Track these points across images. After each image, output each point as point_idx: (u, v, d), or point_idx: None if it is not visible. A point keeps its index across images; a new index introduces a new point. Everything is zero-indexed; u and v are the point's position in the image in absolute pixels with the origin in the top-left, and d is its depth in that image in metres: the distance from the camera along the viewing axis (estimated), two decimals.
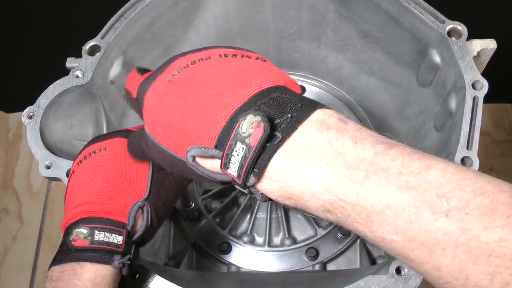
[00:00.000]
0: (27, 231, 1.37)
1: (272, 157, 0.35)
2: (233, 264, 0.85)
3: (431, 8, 0.64)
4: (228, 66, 0.41)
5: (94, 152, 0.52)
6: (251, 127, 0.35)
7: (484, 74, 0.60)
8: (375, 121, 0.92)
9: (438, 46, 0.64)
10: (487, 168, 1.32)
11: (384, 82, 0.84)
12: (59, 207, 1.37)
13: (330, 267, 0.86)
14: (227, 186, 0.78)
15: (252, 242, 0.86)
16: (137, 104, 0.46)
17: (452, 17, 0.63)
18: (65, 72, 0.65)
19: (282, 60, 0.94)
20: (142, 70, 0.48)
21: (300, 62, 0.94)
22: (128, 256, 0.48)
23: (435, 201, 0.31)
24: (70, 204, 0.51)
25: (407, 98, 0.80)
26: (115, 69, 0.70)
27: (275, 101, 0.37)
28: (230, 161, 0.36)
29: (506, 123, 1.42)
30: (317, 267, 0.84)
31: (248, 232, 0.87)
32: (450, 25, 0.62)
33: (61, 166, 0.59)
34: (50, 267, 0.47)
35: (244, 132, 0.35)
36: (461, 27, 0.62)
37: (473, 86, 0.58)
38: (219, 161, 0.37)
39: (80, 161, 0.53)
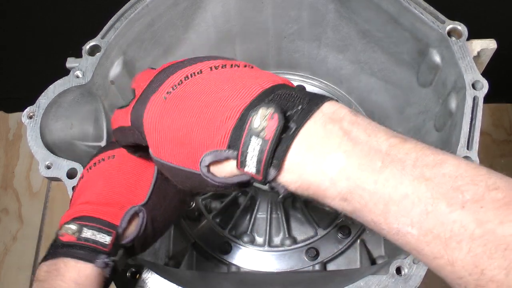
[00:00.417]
0: (27, 231, 1.37)
1: (290, 147, 0.35)
2: (233, 264, 0.85)
3: (431, 8, 0.64)
4: (222, 76, 0.41)
5: (103, 160, 0.53)
6: (264, 120, 0.35)
7: (484, 74, 0.60)
8: (375, 121, 0.92)
9: (438, 46, 0.64)
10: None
11: (384, 82, 0.84)
12: (59, 207, 1.37)
13: (330, 267, 0.86)
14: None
15: (252, 242, 0.86)
16: (133, 133, 0.45)
17: (452, 17, 0.63)
18: (65, 72, 0.65)
19: (282, 60, 0.94)
20: (123, 106, 0.47)
21: (300, 62, 0.94)
22: (113, 258, 0.47)
23: (450, 193, 0.31)
24: (72, 205, 0.51)
25: (407, 98, 0.80)
26: (115, 69, 0.70)
27: (282, 96, 0.37)
28: (247, 158, 0.35)
29: (506, 123, 1.42)
30: (317, 267, 0.84)
31: (248, 232, 0.87)
32: (450, 25, 0.62)
33: (61, 166, 0.59)
34: (39, 263, 0.47)
35: (257, 127, 0.35)
36: (461, 27, 0.62)
37: (473, 86, 0.58)
38: (235, 161, 0.36)
39: (90, 168, 0.53)
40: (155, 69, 0.47)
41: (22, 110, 0.62)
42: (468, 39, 0.62)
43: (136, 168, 0.52)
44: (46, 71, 0.92)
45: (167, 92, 0.41)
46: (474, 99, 0.58)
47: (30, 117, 0.62)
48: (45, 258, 0.47)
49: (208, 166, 0.38)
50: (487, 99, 0.58)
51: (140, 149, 0.48)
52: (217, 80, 0.40)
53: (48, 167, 0.59)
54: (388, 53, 0.77)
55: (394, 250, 0.80)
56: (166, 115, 0.40)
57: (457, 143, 0.56)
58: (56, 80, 0.64)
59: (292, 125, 0.35)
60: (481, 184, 0.31)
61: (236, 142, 0.36)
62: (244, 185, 0.40)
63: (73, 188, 0.57)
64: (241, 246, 0.86)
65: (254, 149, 0.35)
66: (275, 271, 0.84)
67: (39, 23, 1.47)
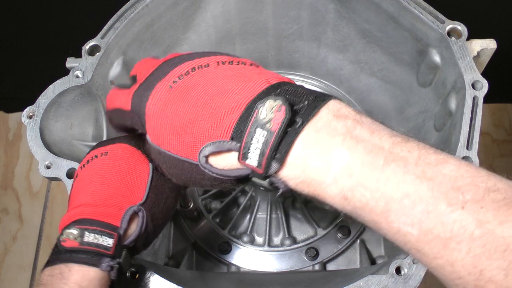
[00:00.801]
0: (27, 231, 1.37)
1: (294, 141, 0.35)
2: (233, 264, 0.85)
3: (431, 8, 0.64)
4: (229, 71, 0.41)
5: (96, 157, 0.53)
6: (271, 111, 0.34)
7: (484, 74, 0.60)
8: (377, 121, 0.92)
9: (438, 46, 0.64)
10: (487, 168, 1.32)
11: (384, 82, 0.84)
12: (59, 207, 1.37)
13: (330, 267, 0.86)
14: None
15: (252, 242, 0.86)
16: (132, 117, 0.45)
17: (452, 17, 0.63)
18: (65, 72, 0.65)
19: (282, 60, 0.94)
20: (122, 85, 0.47)
21: (300, 62, 0.94)
22: (118, 260, 0.47)
23: (451, 193, 0.31)
24: (70, 207, 0.51)
25: (407, 98, 0.80)
26: (115, 69, 0.70)
27: (288, 92, 0.37)
28: (249, 150, 0.35)
29: (506, 123, 1.42)
30: (317, 267, 0.84)
31: (248, 232, 0.87)
32: (450, 25, 0.62)
33: (61, 166, 0.59)
34: (42, 269, 0.47)
35: (264, 118, 0.35)
36: (461, 27, 0.62)
37: (473, 86, 0.58)
38: (236, 154, 0.36)
39: (83, 165, 0.53)
40: (157, 58, 0.47)
41: (22, 110, 0.62)
42: (468, 39, 0.62)
43: (130, 165, 0.51)
44: (46, 71, 0.92)
45: (173, 81, 0.41)
46: (474, 99, 0.58)
47: (30, 117, 0.62)
48: (48, 264, 0.46)
49: (206, 157, 0.38)
50: (487, 99, 0.58)
51: (132, 134, 0.48)
52: (223, 75, 0.40)
53: (48, 167, 0.59)
54: (388, 53, 0.77)
55: (394, 250, 0.80)
56: (171, 103, 0.40)
57: (457, 143, 0.56)
58: (56, 80, 0.64)
59: (299, 119, 0.35)
60: (481, 185, 0.31)
61: (240, 133, 0.36)
62: (242, 180, 0.40)
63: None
64: (241, 246, 0.86)
65: (258, 140, 0.35)
66: (275, 271, 0.84)
67: (39, 23, 1.47)
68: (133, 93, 0.45)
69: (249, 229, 0.87)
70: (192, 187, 0.53)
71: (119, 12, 0.68)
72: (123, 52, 0.71)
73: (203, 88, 0.40)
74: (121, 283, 0.49)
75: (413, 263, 0.51)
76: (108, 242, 0.46)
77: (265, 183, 0.38)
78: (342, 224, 0.86)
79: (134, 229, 0.49)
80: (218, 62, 0.42)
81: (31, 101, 0.63)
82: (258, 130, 0.35)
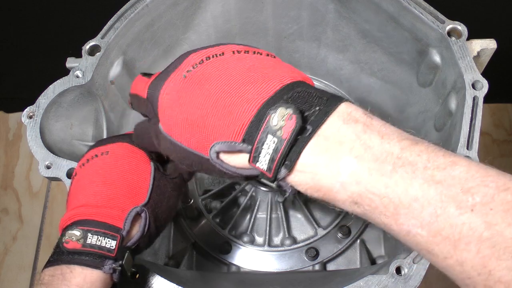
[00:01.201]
0: (27, 231, 1.37)
1: (303, 149, 0.35)
2: (233, 264, 0.85)
3: (431, 8, 0.64)
4: (243, 62, 0.41)
5: (96, 156, 0.52)
6: (282, 119, 0.35)
7: (484, 74, 0.60)
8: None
9: (438, 46, 0.64)
10: None
11: (384, 82, 0.84)
12: (59, 207, 1.37)
13: (330, 267, 0.85)
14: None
15: (252, 242, 0.86)
16: (147, 105, 0.45)
17: (452, 17, 0.63)
18: (65, 72, 0.65)
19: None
20: (147, 74, 0.47)
21: (300, 62, 0.94)
22: (120, 262, 0.47)
23: (460, 196, 0.31)
24: (70, 206, 0.51)
25: (407, 98, 0.80)
26: (115, 69, 0.70)
27: (300, 95, 0.37)
28: (260, 155, 0.36)
29: (507, 123, 1.42)
30: (317, 267, 0.84)
31: (248, 232, 0.87)
32: (450, 25, 0.62)
33: (61, 166, 0.59)
34: (43, 269, 0.46)
35: (275, 125, 0.35)
36: (461, 27, 0.62)
37: (473, 86, 0.58)
38: (246, 155, 0.37)
39: (83, 164, 0.53)
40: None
41: (22, 110, 0.62)
42: (468, 39, 0.62)
43: (132, 165, 0.51)
44: (46, 71, 0.92)
45: (187, 71, 0.41)
46: (474, 99, 0.58)
47: (30, 117, 0.62)
48: (49, 264, 0.46)
49: (217, 153, 0.38)
50: (487, 99, 0.58)
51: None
52: (238, 66, 0.40)
53: (48, 167, 0.59)
54: (388, 53, 0.77)
55: (394, 250, 0.80)
56: (183, 94, 0.40)
57: (457, 143, 0.56)
58: (56, 80, 0.64)
59: (309, 127, 0.35)
60: (491, 186, 0.31)
61: (251, 136, 0.36)
62: (252, 178, 0.40)
63: None
64: (241, 246, 0.86)
65: (269, 147, 0.35)
66: (275, 271, 0.84)
67: (39, 23, 1.47)
68: (150, 81, 0.45)
69: (249, 229, 0.87)
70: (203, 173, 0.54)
71: (119, 12, 0.68)
72: (123, 52, 0.71)
73: (217, 80, 0.40)
74: (122, 283, 0.49)
75: (413, 263, 0.51)
76: (111, 244, 0.46)
77: (273, 184, 0.38)
78: (342, 224, 0.86)
79: (137, 230, 0.49)
80: (233, 51, 0.42)
81: (31, 101, 0.63)
82: (269, 137, 0.35)
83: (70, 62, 0.66)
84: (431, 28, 0.63)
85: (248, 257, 0.85)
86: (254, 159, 0.36)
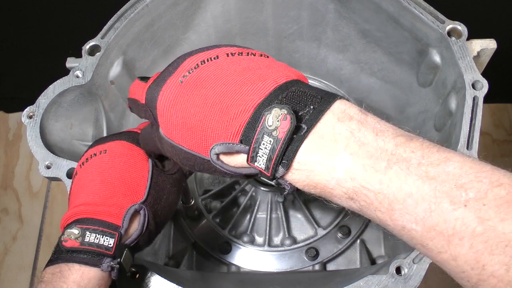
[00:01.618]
0: (27, 231, 1.37)
1: (299, 148, 0.36)
2: (233, 264, 0.85)
3: (431, 8, 0.64)
4: (238, 64, 0.42)
5: (95, 155, 0.53)
6: (277, 120, 0.36)
7: (484, 74, 0.60)
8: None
9: (438, 46, 0.64)
10: None
11: (384, 82, 0.84)
12: (59, 207, 1.37)
13: (330, 267, 0.86)
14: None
15: (252, 242, 0.86)
16: (145, 110, 0.46)
17: (452, 17, 0.63)
18: (65, 72, 0.65)
19: (282, 60, 0.92)
20: (145, 78, 0.48)
21: (300, 62, 0.94)
22: (119, 259, 0.47)
23: (454, 192, 0.31)
24: (71, 205, 0.51)
25: (407, 98, 0.80)
26: (115, 69, 0.70)
27: (295, 95, 0.38)
28: (258, 154, 0.37)
29: (507, 123, 1.42)
30: (317, 267, 0.84)
31: (248, 232, 0.87)
32: (450, 25, 0.62)
33: (61, 166, 0.59)
34: (44, 268, 0.47)
35: (270, 125, 0.36)
36: (461, 27, 0.62)
37: (473, 86, 0.58)
38: (245, 155, 0.38)
39: (83, 163, 0.53)
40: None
41: (22, 110, 0.62)
42: (468, 39, 0.62)
43: (130, 163, 0.51)
44: (46, 71, 0.92)
45: (183, 76, 0.42)
46: (474, 99, 0.58)
47: (30, 117, 0.62)
48: (50, 262, 0.47)
49: (217, 154, 0.39)
50: (487, 99, 0.58)
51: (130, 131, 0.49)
52: (233, 69, 0.41)
53: (48, 167, 0.59)
54: (388, 53, 0.77)
55: (394, 250, 0.80)
56: (181, 98, 0.41)
57: (457, 143, 0.56)
58: (56, 80, 0.64)
59: (304, 126, 0.36)
60: (485, 181, 0.31)
61: (248, 137, 0.37)
62: (252, 176, 0.41)
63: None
64: (241, 246, 0.86)
65: (265, 147, 0.36)
66: (275, 271, 0.84)
67: (39, 23, 1.46)
68: (147, 87, 0.45)
69: (249, 229, 0.87)
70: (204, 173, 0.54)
71: (119, 12, 0.68)
72: (123, 52, 0.71)
73: (212, 84, 0.40)
74: (122, 282, 0.49)
75: (413, 263, 0.51)
76: (109, 242, 0.46)
77: (272, 182, 0.39)
78: (342, 224, 0.86)
79: (135, 227, 0.49)
80: (227, 54, 0.43)
81: (31, 101, 0.63)
82: (266, 137, 0.36)
83: (70, 62, 0.66)
84: (431, 28, 0.63)
85: (248, 257, 0.85)
86: (252, 159, 0.37)
